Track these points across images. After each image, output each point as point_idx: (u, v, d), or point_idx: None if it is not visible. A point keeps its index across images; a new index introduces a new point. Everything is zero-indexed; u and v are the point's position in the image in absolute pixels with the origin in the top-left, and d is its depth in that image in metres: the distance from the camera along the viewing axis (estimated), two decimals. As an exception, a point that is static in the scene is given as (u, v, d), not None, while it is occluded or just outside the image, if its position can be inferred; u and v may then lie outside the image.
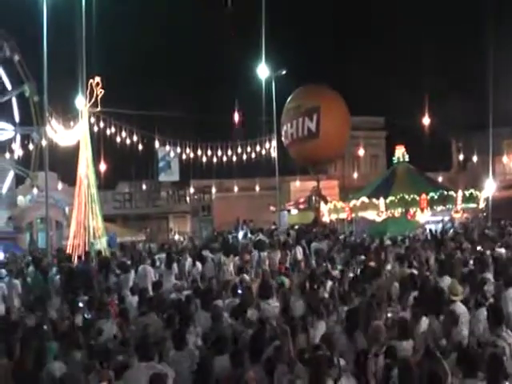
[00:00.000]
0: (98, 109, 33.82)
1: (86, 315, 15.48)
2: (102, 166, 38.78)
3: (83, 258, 26.78)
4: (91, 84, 32.65)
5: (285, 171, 50.91)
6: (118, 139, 38.66)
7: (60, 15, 32.14)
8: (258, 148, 46.17)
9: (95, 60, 33.38)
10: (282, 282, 19.00)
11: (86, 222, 32.38)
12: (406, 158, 45.05)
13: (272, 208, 52.78)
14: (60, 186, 46.91)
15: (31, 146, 47.96)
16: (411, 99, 51.01)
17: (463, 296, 14.25)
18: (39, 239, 47.45)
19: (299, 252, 27.79)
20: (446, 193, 41.15)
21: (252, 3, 42.28)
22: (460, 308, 13.25)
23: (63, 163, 39.59)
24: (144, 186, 56.76)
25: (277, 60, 46.61)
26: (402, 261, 21.39)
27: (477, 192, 42.97)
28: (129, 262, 24.98)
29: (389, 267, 21.44)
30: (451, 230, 38.56)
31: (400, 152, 45.19)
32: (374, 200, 40.77)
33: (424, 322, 12.65)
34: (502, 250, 24.30)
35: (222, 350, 11.50)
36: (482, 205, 43.91)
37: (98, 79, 32.70)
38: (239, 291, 17.31)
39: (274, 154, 46.21)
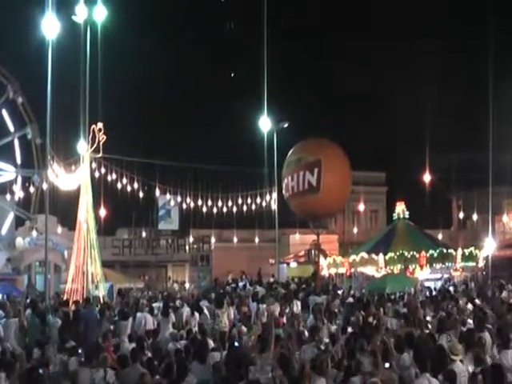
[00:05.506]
0: (100, 154, 33.95)
1: (82, 360, 15.38)
2: (102, 212, 38.74)
3: (82, 303, 26.55)
4: (93, 129, 32.80)
5: (285, 224, 50.81)
6: (119, 185, 38.76)
7: (64, 60, 32.36)
8: (258, 200, 46.22)
9: (98, 106, 33.58)
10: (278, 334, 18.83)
11: (85, 267, 32.31)
12: (406, 214, 45.16)
13: (271, 260, 52.62)
14: (59, 229, 46.81)
15: (32, 189, 47.96)
16: (412, 155, 51.27)
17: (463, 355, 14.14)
18: (37, 282, 47.22)
19: (297, 306, 27.68)
20: (445, 251, 41.17)
21: (255, 55, 42.70)
22: (459, 367, 13.15)
23: (63, 207, 39.54)
24: (144, 234, 56.70)
25: (279, 113, 46.85)
26: (401, 318, 21.28)
27: (476, 251, 42.96)
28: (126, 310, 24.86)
29: (387, 324, 21.33)
30: (450, 288, 38.50)
31: (400, 208, 45.32)
32: (374, 256, 40.77)
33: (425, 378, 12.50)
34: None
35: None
36: (481, 263, 43.88)
37: (100, 125, 32.85)
38: (236, 344, 17.19)
39: (274, 206, 46.14)
